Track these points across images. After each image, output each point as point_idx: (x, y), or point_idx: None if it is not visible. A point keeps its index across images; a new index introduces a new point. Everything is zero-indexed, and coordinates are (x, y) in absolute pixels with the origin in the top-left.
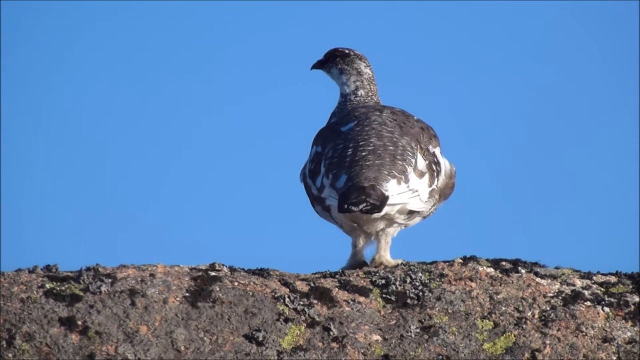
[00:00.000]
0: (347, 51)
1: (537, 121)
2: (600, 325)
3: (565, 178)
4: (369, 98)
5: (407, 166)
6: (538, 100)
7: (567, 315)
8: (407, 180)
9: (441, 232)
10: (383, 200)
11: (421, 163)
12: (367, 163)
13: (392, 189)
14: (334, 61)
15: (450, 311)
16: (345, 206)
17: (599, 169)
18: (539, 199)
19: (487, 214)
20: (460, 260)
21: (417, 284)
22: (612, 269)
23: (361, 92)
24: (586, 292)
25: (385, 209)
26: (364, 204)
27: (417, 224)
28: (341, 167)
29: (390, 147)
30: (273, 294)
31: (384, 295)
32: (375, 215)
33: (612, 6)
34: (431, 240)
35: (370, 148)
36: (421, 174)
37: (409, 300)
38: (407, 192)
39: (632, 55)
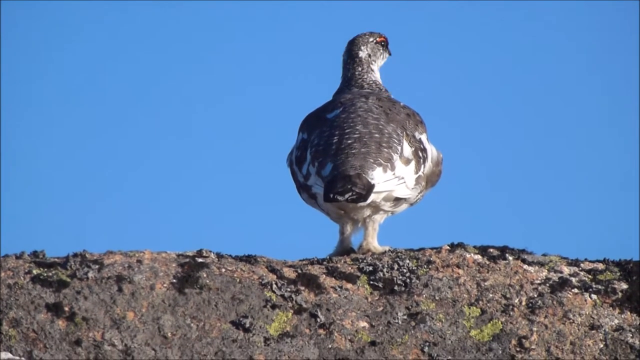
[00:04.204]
0: None
1: (525, 109)
2: (587, 313)
3: (553, 165)
4: (347, 84)
5: (393, 153)
6: (526, 89)
7: (555, 302)
8: (393, 168)
9: (429, 219)
10: (369, 188)
11: (407, 150)
12: (353, 151)
13: (378, 177)
14: None
15: (437, 298)
16: (331, 195)
17: (586, 156)
18: (526, 186)
19: (475, 201)
20: (448, 247)
21: (405, 270)
22: (599, 256)
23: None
24: (573, 280)
25: (371, 197)
26: (350, 193)
27: (404, 211)
28: (327, 155)
29: (376, 135)
30: (260, 280)
31: (371, 282)
32: (361, 203)
33: (612, 6)
34: (419, 227)
35: (356, 136)
36: (407, 161)
37: (396, 287)
38: (393, 180)
39: (632, 55)
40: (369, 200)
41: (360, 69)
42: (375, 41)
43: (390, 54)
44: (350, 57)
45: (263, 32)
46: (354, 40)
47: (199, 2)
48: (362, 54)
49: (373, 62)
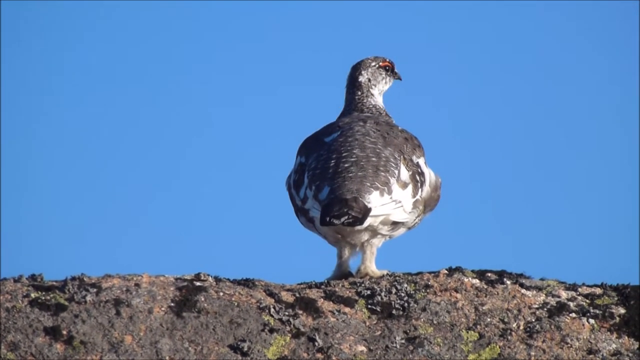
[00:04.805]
0: None
1: (524, 133)
2: (585, 337)
3: (551, 190)
4: (348, 108)
5: (390, 177)
6: (524, 112)
7: (552, 326)
8: (390, 192)
9: (427, 243)
10: (365, 212)
11: (404, 174)
12: (350, 175)
13: (375, 200)
14: None
15: (435, 322)
16: (327, 219)
17: (584, 181)
18: (525, 211)
19: (473, 225)
20: (446, 271)
21: (403, 294)
22: (597, 280)
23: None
24: (571, 304)
25: (368, 221)
26: (346, 217)
27: (402, 235)
28: (324, 179)
29: (373, 159)
30: (258, 304)
31: (369, 306)
32: (358, 227)
33: (612, 6)
34: (417, 251)
35: (353, 159)
36: (404, 185)
37: (394, 311)
38: (390, 204)
39: (631, 55)
40: (365, 224)
41: (360, 92)
42: (377, 65)
43: (400, 79)
44: (351, 81)
45: (263, 33)
46: (355, 65)
47: (215, 2)
48: (362, 78)
49: (373, 87)
